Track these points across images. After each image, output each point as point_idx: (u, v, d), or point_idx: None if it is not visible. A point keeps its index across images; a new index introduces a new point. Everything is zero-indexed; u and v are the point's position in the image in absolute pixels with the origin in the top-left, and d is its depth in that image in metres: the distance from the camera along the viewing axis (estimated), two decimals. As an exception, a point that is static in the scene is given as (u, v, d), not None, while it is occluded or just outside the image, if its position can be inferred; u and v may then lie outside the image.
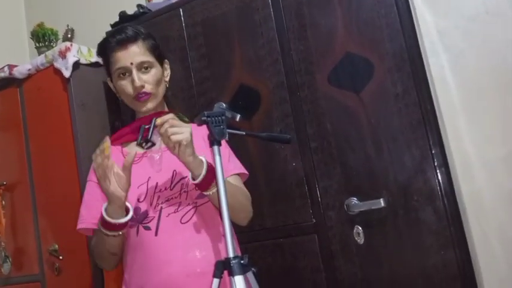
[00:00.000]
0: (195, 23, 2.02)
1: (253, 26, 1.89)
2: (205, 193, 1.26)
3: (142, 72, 1.35)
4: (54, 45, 2.46)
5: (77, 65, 2.15)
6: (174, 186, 1.34)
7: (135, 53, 1.34)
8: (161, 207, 1.31)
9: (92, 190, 1.37)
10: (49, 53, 2.20)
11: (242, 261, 1.10)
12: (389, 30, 1.63)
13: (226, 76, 1.94)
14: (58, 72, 2.17)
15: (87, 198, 1.38)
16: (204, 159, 1.23)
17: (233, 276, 1.08)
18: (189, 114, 1.80)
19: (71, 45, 2.16)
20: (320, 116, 1.75)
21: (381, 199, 1.61)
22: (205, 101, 1.97)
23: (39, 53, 2.40)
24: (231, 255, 1.10)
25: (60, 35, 2.58)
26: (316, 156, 1.75)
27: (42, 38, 2.47)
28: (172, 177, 1.35)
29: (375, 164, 1.64)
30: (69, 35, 2.58)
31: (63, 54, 2.13)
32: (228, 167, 1.38)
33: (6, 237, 2.37)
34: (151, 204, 1.32)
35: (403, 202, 1.59)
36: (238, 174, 1.42)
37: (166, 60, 1.46)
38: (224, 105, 1.37)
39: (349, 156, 1.69)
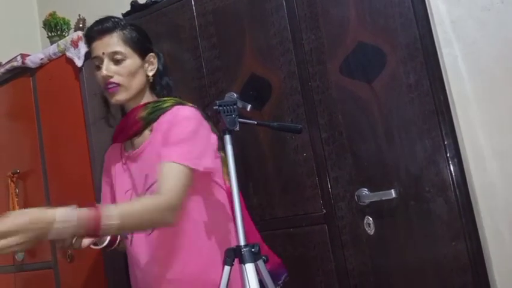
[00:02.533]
0: (206, 12, 2.02)
1: (264, 15, 1.88)
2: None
3: (114, 63, 1.33)
4: (66, 35, 2.47)
5: (89, 54, 2.15)
6: (146, 193, 1.32)
7: (108, 44, 1.34)
8: None
9: (103, 189, 1.45)
10: (61, 42, 2.21)
11: (253, 250, 1.11)
12: (403, 20, 1.62)
13: (237, 66, 1.93)
14: (70, 61, 2.18)
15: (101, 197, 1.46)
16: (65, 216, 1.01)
17: (244, 264, 1.09)
18: (201, 104, 1.81)
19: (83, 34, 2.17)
20: (331, 106, 1.74)
21: (392, 190, 1.61)
22: (216, 91, 1.97)
23: (51, 43, 2.41)
24: (242, 243, 1.11)
25: (72, 25, 2.59)
26: (327, 147, 1.74)
27: (54, 27, 2.48)
28: (145, 181, 1.33)
29: (387, 155, 1.64)
30: (80, 25, 2.58)
31: (75, 44, 2.14)
32: (171, 151, 1.23)
33: (19, 224, 2.40)
34: None
35: (415, 193, 1.59)
36: (183, 165, 1.22)
37: (152, 54, 1.41)
38: (235, 95, 1.37)
39: (361, 146, 1.68)
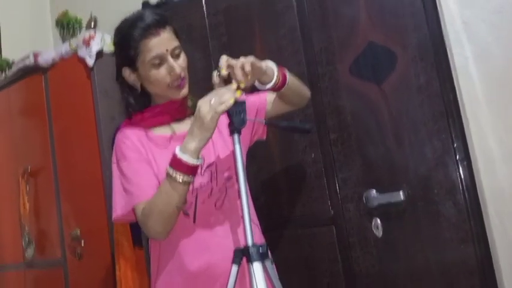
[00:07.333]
0: (217, 11, 2.03)
1: (275, 15, 1.88)
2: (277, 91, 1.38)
3: (175, 58, 1.31)
4: (78, 34, 2.49)
5: (100, 53, 2.18)
6: (204, 172, 1.33)
7: (168, 39, 1.29)
8: (196, 194, 1.31)
9: (133, 166, 1.30)
10: (73, 41, 2.24)
11: (260, 249, 1.11)
12: (414, 20, 1.61)
13: (246, 66, 1.93)
14: (82, 60, 2.20)
15: (134, 174, 1.29)
16: (273, 65, 1.35)
17: (251, 263, 1.09)
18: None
19: (95, 33, 2.19)
20: (340, 107, 1.74)
21: (400, 192, 1.60)
22: (226, 91, 1.97)
23: (63, 41, 2.43)
24: (249, 243, 1.11)
25: (84, 24, 2.61)
26: (335, 148, 1.74)
27: (66, 26, 2.51)
28: (202, 163, 1.33)
29: (395, 156, 1.63)
30: (92, 24, 2.61)
31: (87, 43, 2.16)
32: (262, 93, 1.46)
33: (29, 221, 2.43)
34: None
35: (423, 195, 1.58)
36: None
37: None
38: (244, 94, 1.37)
39: (369, 148, 1.68)
